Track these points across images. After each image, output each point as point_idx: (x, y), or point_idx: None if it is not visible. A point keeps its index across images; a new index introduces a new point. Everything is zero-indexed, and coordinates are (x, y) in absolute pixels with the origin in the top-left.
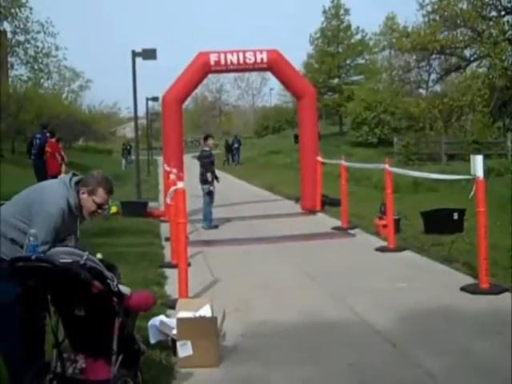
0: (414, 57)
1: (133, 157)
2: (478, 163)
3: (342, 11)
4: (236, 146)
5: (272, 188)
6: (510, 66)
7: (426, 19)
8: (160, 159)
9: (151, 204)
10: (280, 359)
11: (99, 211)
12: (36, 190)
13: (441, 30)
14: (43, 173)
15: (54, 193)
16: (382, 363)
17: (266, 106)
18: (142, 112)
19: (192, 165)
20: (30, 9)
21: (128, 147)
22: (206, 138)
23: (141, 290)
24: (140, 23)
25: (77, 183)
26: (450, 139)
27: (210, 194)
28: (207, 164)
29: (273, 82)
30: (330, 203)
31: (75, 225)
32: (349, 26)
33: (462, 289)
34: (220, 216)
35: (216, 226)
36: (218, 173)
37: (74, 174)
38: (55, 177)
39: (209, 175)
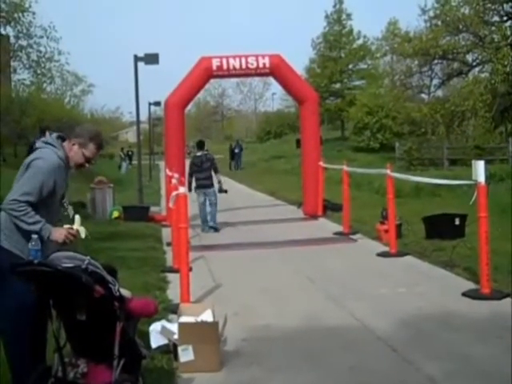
0: (416, 62)
1: (134, 161)
2: (479, 168)
3: (344, 16)
4: (237, 151)
5: (274, 193)
6: None
7: (428, 24)
8: (162, 164)
9: (153, 208)
10: (281, 364)
11: (86, 165)
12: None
13: (443, 35)
14: None
15: (44, 153)
16: (382, 368)
17: (268, 111)
18: (144, 117)
19: None
20: (33, 13)
21: (130, 153)
22: (202, 143)
23: (142, 294)
24: (142, 28)
25: (57, 138)
26: (452, 144)
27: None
28: (216, 165)
29: (275, 86)
30: (331, 208)
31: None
32: (351, 31)
33: (464, 294)
34: (222, 220)
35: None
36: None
37: (49, 133)
38: None
39: (218, 175)
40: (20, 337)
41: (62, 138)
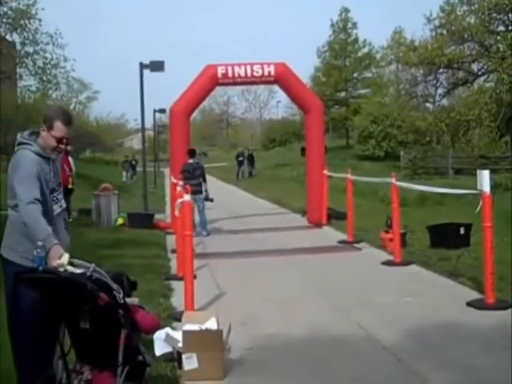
0: (421, 71)
1: (139, 168)
2: (484, 178)
3: (349, 25)
4: (240, 159)
5: (278, 201)
6: None
7: (434, 33)
8: (167, 171)
9: (158, 216)
10: (286, 373)
11: (61, 146)
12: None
13: (448, 44)
14: None
15: (19, 154)
16: (387, 378)
17: (273, 119)
18: (149, 124)
19: None
20: (40, 20)
21: (134, 162)
22: (193, 151)
23: (147, 302)
24: (148, 35)
25: (30, 134)
26: (457, 153)
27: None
28: (204, 174)
29: (280, 94)
30: (336, 217)
31: (56, 175)
32: (356, 40)
33: (468, 304)
34: (227, 228)
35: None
36: (226, 185)
37: (20, 133)
38: (64, 188)
39: (205, 184)
40: (28, 342)
41: (37, 133)
